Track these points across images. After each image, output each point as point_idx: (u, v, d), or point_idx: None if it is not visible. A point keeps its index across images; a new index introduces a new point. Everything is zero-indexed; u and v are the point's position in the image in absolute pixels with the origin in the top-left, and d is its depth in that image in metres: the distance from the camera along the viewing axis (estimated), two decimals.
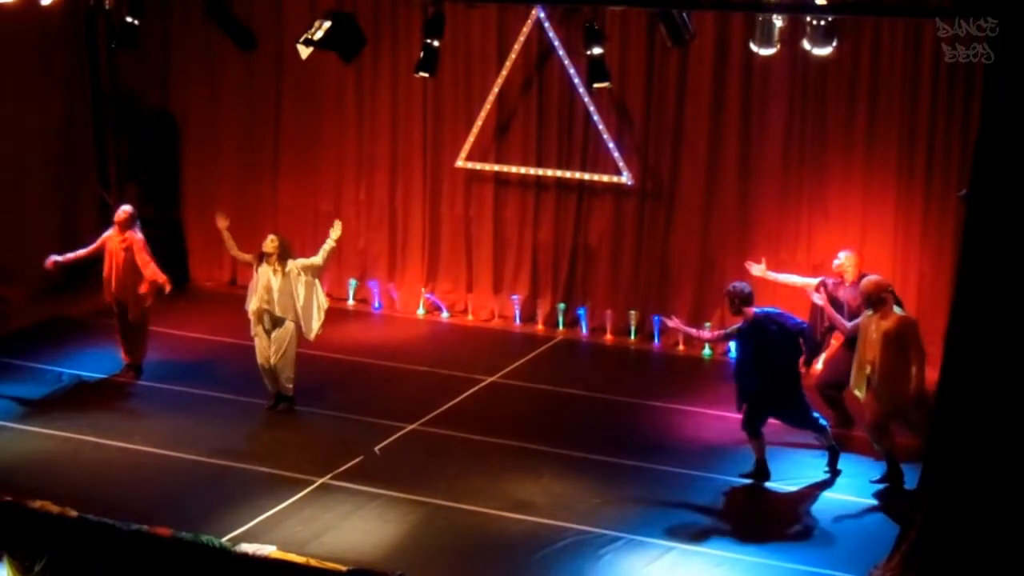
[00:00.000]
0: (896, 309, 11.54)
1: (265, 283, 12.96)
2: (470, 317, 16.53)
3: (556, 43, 15.39)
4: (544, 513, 11.17)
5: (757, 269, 13.35)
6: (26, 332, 15.18)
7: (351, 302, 16.81)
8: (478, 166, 16.16)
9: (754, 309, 11.72)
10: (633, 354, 15.59)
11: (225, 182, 17.44)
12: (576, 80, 15.32)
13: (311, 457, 12.15)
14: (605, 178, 15.61)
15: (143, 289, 13.71)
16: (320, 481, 11.64)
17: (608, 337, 15.88)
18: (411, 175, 16.61)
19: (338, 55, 13.77)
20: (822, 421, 12.00)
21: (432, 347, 15.50)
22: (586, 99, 15.36)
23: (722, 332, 12.46)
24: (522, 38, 15.51)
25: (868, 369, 11.55)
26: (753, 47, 13.12)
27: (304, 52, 13.87)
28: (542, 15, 15.33)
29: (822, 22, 12.47)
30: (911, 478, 11.09)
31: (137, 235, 13.74)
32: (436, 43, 14.24)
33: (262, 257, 13.06)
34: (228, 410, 13.27)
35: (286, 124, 17.08)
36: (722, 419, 13.17)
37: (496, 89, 15.80)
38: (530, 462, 12.16)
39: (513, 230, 16.27)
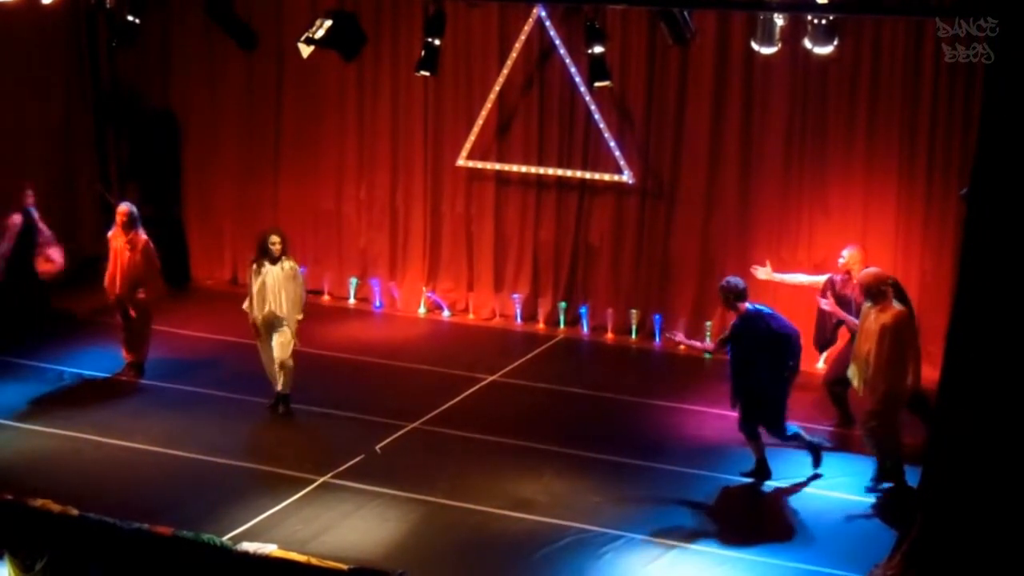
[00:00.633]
0: (896, 303, 11.50)
1: (270, 284, 12.87)
2: (471, 316, 16.54)
3: (557, 42, 15.39)
4: (545, 512, 11.17)
5: (763, 272, 13.38)
6: (27, 330, 15.16)
7: (352, 301, 16.82)
8: (479, 165, 16.16)
9: (747, 305, 11.71)
10: (634, 353, 15.60)
11: (226, 181, 17.46)
12: (577, 79, 15.32)
13: (312, 456, 12.16)
14: (606, 177, 15.62)
15: (142, 295, 13.82)
16: (321, 480, 11.64)
17: (609, 336, 15.89)
18: (412, 174, 16.61)
19: (339, 54, 13.76)
20: (792, 430, 11.85)
21: (433, 346, 15.50)
22: (587, 98, 15.36)
23: (720, 339, 12.38)
24: (523, 37, 15.51)
25: (864, 362, 11.53)
26: (754, 46, 13.11)
27: (305, 51, 13.87)
28: (543, 14, 15.32)
29: (823, 21, 12.46)
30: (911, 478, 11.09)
31: (142, 236, 13.77)
32: (437, 42, 14.25)
33: (262, 259, 12.98)
34: (229, 409, 13.27)
35: (287, 123, 17.09)
36: (722, 418, 13.16)
37: (497, 88, 15.80)
38: (531, 461, 12.16)
39: (514, 229, 16.28)
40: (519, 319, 16.26)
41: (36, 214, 15.11)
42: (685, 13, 12.74)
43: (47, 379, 13.97)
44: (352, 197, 16.91)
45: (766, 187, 15.09)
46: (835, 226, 14.77)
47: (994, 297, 9.34)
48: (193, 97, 17.44)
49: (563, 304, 16.14)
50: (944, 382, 9.77)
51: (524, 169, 16.02)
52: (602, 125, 15.41)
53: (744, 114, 15.02)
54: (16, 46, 16.15)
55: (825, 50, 12.88)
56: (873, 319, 11.44)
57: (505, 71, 15.71)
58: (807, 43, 12.90)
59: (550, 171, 15.90)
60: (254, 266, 13.02)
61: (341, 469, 11.84)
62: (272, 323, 12.97)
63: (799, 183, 14.94)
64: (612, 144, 15.42)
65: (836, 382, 12.74)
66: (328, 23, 13.37)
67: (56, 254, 15.18)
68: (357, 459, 12.06)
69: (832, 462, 12.28)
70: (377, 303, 16.82)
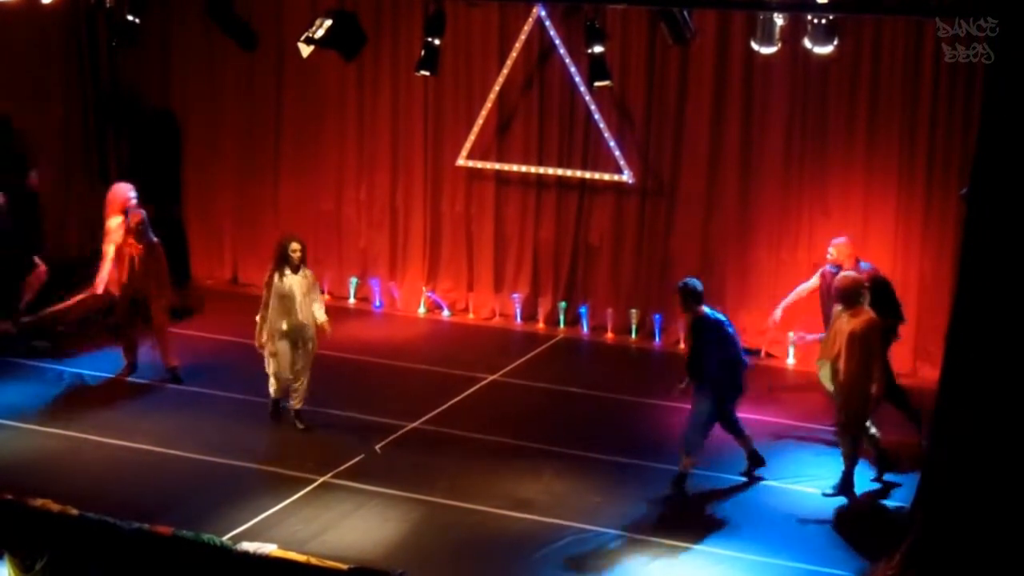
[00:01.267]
0: (867, 309, 11.37)
1: (296, 293, 12.51)
2: (471, 316, 16.54)
3: (557, 42, 15.39)
4: (545, 512, 11.17)
5: (777, 317, 13.51)
6: (27, 330, 15.15)
7: (352, 300, 16.82)
8: (479, 164, 16.16)
9: (705, 308, 11.59)
10: (634, 353, 15.60)
11: (226, 181, 17.45)
12: (577, 79, 15.32)
13: (312, 456, 12.15)
14: (606, 176, 15.62)
15: (166, 299, 13.96)
16: (321, 480, 11.64)
17: (609, 335, 15.90)
18: (412, 174, 16.61)
19: (339, 54, 13.76)
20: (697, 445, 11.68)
21: (433, 346, 15.51)
22: (587, 98, 15.36)
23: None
24: (523, 37, 15.51)
25: (835, 366, 11.43)
26: (754, 46, 13.11)
27: (305, 51, 13.87)
28: (543, 13, 15.33)
29: (823, 21, 12.46)
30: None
31: (155, 238, 13.81)
32: (437, 42, 14.24)
33: (283, 267, 12.61)
34: (229, 408, 13.27)
35: (287, 122, 17.08)
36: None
37: (497, 88, 15.80)
38: (531, 461, 12.16)
39: (514, 229, 16.28)
40: (519, 319, 16.25)
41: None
42: (685, 13, 12.74)
43: (47, 379, 13.97)
44: (352, 197, 16.91)
45: (766, 187, 15.09)
46: (835, 226, 14.74)
47: (994, 297, 9.34)
48: (193, 97, 17.43)
49: (563, 304, 16.14)
50: (944, 382, 9.77)
51: (524, 169, 16.02)
52: (602, 125, 15.41)
53: (744, 114, 15.02)
54: (16, 46, 16.13)
55: (825, 50, 12.88)
56: (844, 322, 11.35)
57: (505, 71, 15.71)
58: (807, 43, 12.90)
59: (550, 171, 15.90)
60: (275, 275, 12.59)
61: (341, 469, 11.84)
62: (298, 333, 12.60)
63: (799, 183, 14.94)
64: (612, 144, 15.42)
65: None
66: (328, 23, 13.37)
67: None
68: (357, 459, 12.06)
69: (833, 463, 12.27)
70: (377, 303, 16.82)
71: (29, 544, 9.73)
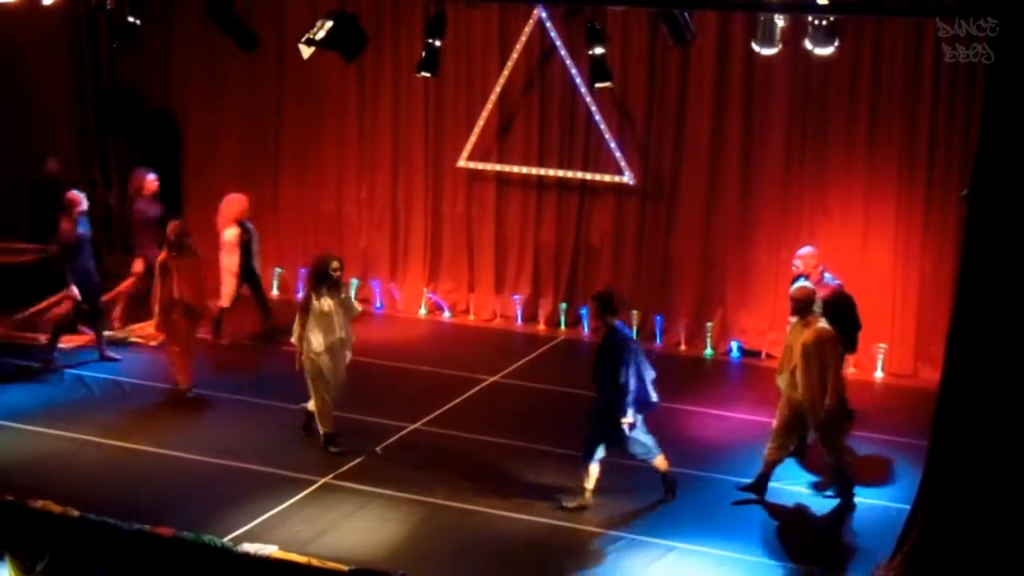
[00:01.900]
0: (822, 322, 11.18)
1: (330, 310, 12.09)
2: (472, 317, 16.54)
3: (558, 43, 15.40)
4: (545, 513, 11.17)
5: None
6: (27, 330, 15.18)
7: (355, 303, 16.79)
8: (480, 166, 16.17)
9: (618, 322, 11.24)
10: None
11: (226, 182, 17.39)
12: (578, 80, 15.33)
13: (313, 457, 12.15)
14: (607, 178, 15.62)
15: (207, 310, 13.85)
16: (322, 481, 11.64)
17: None
18: (413, 175, 16.62)
19: (340, 55, 13.77)
20: (596, 456, 11.27)
21: (434, 347, 15.51)
22: (588, 99, 15.36)
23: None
24: (524, 38, 15.52)
25: (791, 376, 11.25)
26: (755, 47, 13.11)
27: (306, 52, 13.88)
28: (544, 15, 15.34)
29: (824, 22, 12.46)
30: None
31: (194, 251, 13.58)
32: (438, 43, 14.25)
33: (320, 288, 12.09)
34: (230, 410, 13.28)
35: (288, 124, 17.10)
36: (723, 419, 13.21)
37: (498, 89, 15.81)
38: (531, 462, 12.15)
39: (515, 230, 16.28)
40: (520, 320, 16.26)
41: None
42: (686, 14, 12.74)
43: (48, 380, 13.97)
44: (353, 198, 16.92)
45: (767, 188, 15.09)
46: (836, 227, 14.78)
47: (995, 298, 9.33)
48: (193, 98, 17.45)
49: (564, 305, 16.15)
50: (945, 382, 9.76)
51: (525, 170, 16.02)
52: (603, 126, 15.41)
53: (745, 115, 15.02)
54: (16, 46, 16.15)
55: (826, 51, 12.88)
56: (797, 334, 11.21)
57: (506, 72, 15.72)
58: (807, 44, 12.90)
59: (551, 172, 15.91)
60: (312, 298, 12.10)
61: (342, 470, 11.84)
62: (337, 350, 12.22)
63: (800, 184, 14.94)
64: (613, 145, 15.43)
65: None
66: (329, 24, 13.38)
67: None
68: (358, 460, 12.07)
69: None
70: (378, 304, 16.82)
71: (30, 545, 9.74)
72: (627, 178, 15.48)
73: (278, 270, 17.13)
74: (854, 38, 14.17)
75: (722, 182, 15.26)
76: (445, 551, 10.57)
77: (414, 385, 14.15)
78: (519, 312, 16.27)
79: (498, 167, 16.14)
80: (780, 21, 12.72)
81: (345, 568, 9.46)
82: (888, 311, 14.69)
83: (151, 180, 15.35)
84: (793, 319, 11.39)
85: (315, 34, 13.43)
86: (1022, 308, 9.25)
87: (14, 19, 14.97)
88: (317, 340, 12.03)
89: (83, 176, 17.35)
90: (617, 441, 11.19)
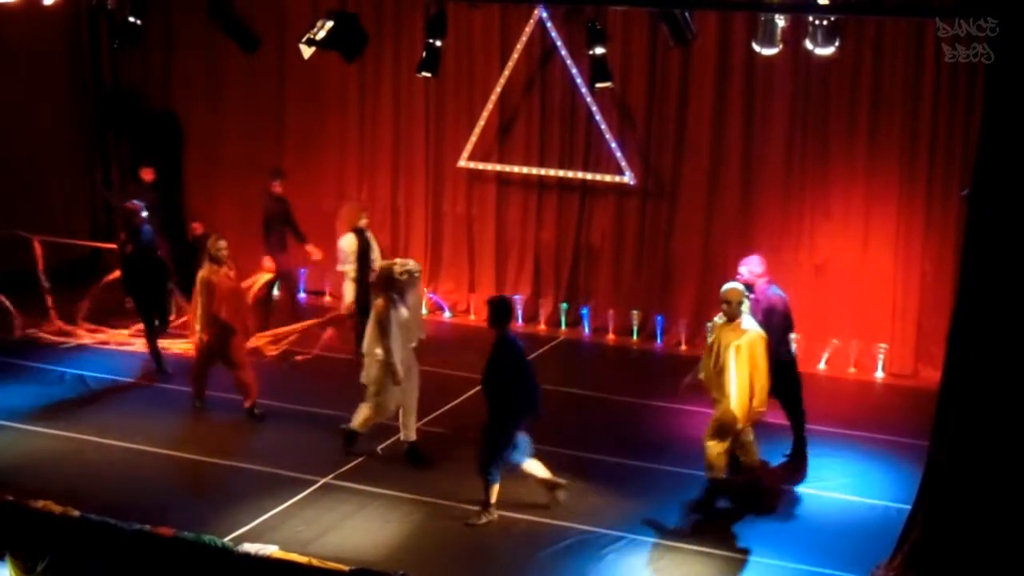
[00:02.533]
0: (751, 325, 11.09)
1: (404, 316, 11.85)
2: (472, 317, 16.54)
3: (558, 43, 15.40)
4: (545, 513, 11.17)
5: None
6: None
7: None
8: (480, 166, 16.18)
9: (508, 331, 11.01)
10: (635, 354, 15.61)
11: (228, 181, 17.48)
12: (578, 80, 15.34)
13: (313, 457, 12.15)
14: (607, 178, 15.63)
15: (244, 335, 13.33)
16: (322, 481, 11.64)
17: (610, 337, 15.91)
18: (413, 175, 16.63)
19: (340, 55, 13.76)
20: (495, 476, 11.02)
21: (434, 347, 15.47)
22: (588, 99, 15.37)
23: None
24: (524, 38, 15.53)
25: (717, 377, 11.14)
26: (755, 47, 13.10)
27: (306, 52, 13.87)
28: (544, 15, 15.34)
29: (824, 22, 12.46)
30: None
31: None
32: (438, 43, 14.24)
33: (392, 297, 11.75)
34: (230, 410, 13.26)
35: (288, 123, 17.11)
36: None
37: (498, 89, 15.82)
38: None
39: (515, 230, 16.29)
40: (520, 320, 16.25)
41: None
42: (686, 14, 12.74)
43: (48, 380, 13.98)
44: (353, 198, 16.89)
45: (767, 188, 15.10)
46: (836, 227, 14.79)
47: (995, 298, 9.33)
48: (194, 98, 17.46)
49: (564, 305, 16.15)
50: (945, 382, 9.76)
51: (525, 170, 16.03)
52: (603, 126, 15.42)
53: (745, 115, 15.03)
54: (17, 46, 16.17)
55: (826, 51, 12.87)
56: (726, 334, 11.04)
57: (506, 72, 15.72)
58: (808, 44, 12.89)
59: (551, 172, 15.92)
60: (390, 311, 11.73)
61: (343, 470, 11.84)
62: (412, 357, 12.06)
63: (800, 184, 14.95)
64: (613, 145, 15.43)
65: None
66: (329, 24, 13.37)
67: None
68: (359, 460, 12.07)
69: (833, 463, 12.31)
70: None
71: (30, 545, 9.73)
72: (628, 178, 15.48)
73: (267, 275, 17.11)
74: (855, 38, 14.18)
75: (723, 182, 15.27)
76: (445, 551, 10.57)
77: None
78: (520, 312, 16.27)
79: (499, 167, 16.15)
80: (781, 21, 12.71)
81: (345, 568, 9.46)
82: (889, 311, 14.70)
83: (276, 185, 15.34)
84: (719, 319, 11.19)
85: (316, 34, 13.42)
86: (1022, 309, 9.25)
87: (14, 19, 14.98)
88: (397, 350, 11.79)
89: (84, 177, 17.39)
90: (508, 449, 10.99)
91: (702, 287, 15.48)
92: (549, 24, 15.39)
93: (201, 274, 12.85)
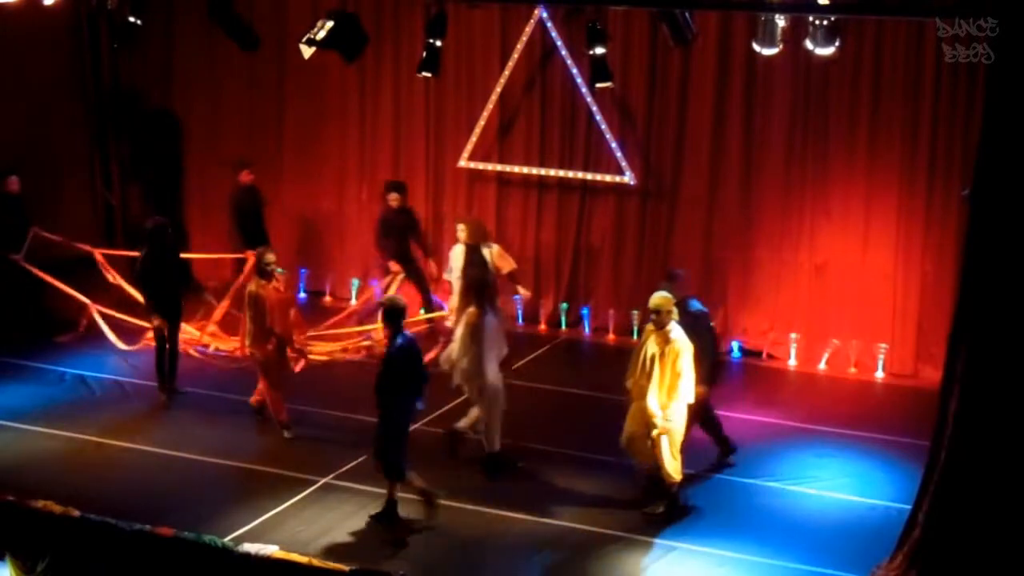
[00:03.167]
0: (679, 332, 10.97)
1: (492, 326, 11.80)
2: None
3: (559, 43, 15.40)
4: (546, 513, 11.17)
5: None
6: (28, 331, 15.17)
7: (354, 302, 16.79)
8: (480, 166, 16.17)
9: (401, 335, 10.88)
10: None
11: (227, 182, 17.42)
12: (579, 80, 15.33)
13: (313, 457, 12.16)
14: (608, 178, 15.62)
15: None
16: (323, 481, 11.64)
17: (611, 337, 15.90)
18: (413, 175, 16.61)
19: (340, 55, 13.77)
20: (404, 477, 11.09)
21: (434, 347, 15.47)
22: (588, 99, 15.37)
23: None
24: (524, 38, 15.52)
25: (641, 383, 11.05)
26: (756, 47, 13.10)
27: (307, 52, 13.87)
28: (544, 15, 15.33)
29: (825, 22, 12.46)
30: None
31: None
32: (438, 43, 14.25)
33: (483, 306, 11.68)
34: (230, 410, 13.27)
35: (289, 124, 17.11)
36: (724, 419, 13.15)
37: (499, 89, 15.81)
38: (532, 462, 12.15)
39: (515, 230, 16.27)
40: (520, 320, 16.25)
41: None
42: (686, 14, 12.74)
43: (48, 380, 13.98)
44: (354, 198, 16.93)
45: (768, 188, 15.09)
46: (837, 227, 14.78)
47: (996, 298, 9.34)
48: (194, 98, 17.46)
49: (565, 305, 16.15)
50: (946, 383, 9.76)
51: (525, 170, 16.03)
52: (603, 126, 15.41)
53: (746, 115, 15.03)
54: (17, 46, 16.15)
55: (827, 51, 12.86)
56: (653, 342, 10.94)
57: (507, 72, 15.72)
58: (808, 44, 12.89)
59: (551, 172, 15.91)
60: (482, 318, 11.75)
61: (343, 470, 11.84)
62: (496, 369, 11.95)
63: (801, 184, 14.94)
64: (613, 145, 15.43)
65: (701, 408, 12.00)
66: (330, 24, 13.38)
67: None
68: (359, 460, 12.05)
69: (832, 463, 12.32)
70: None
71: (31, 545, 9.74)
72: (628, 178, 15.48)
73: (280, 271, 17.06)
74: (855, 38, 14.17)
75: (723, 182, 15.26)
76: (445, 551, 10.57)
77: None
78: (520, 312, 16.27)
79: (499, 167, 16.15)
80: (781, 21, 12.70)
81: (346, 568, 9.47)
82: (889, 311, 14.69)
83: (395, 199, 15.14)
84: (648, 326, 11.08)
85: (316, 34, 13.43)
86: (1023, 308, 9.25)
87: (14, 19, 14.97)
88: (491, 361, 11.83)
89: (85, 177, 17.38)
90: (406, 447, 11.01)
91: (702, 287, 15.41)
92: (549, 24, 15.39)
93: (249, 288, 12.68)
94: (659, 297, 11.06)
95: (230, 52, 15.59)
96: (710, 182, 15.30)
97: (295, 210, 17.09)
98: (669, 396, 10.91)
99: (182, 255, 14.56)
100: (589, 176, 15.74)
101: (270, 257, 12.55)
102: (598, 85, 14.36)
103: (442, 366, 12.35)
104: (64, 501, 10.16)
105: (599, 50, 13.87)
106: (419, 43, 14.93)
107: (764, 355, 15.26)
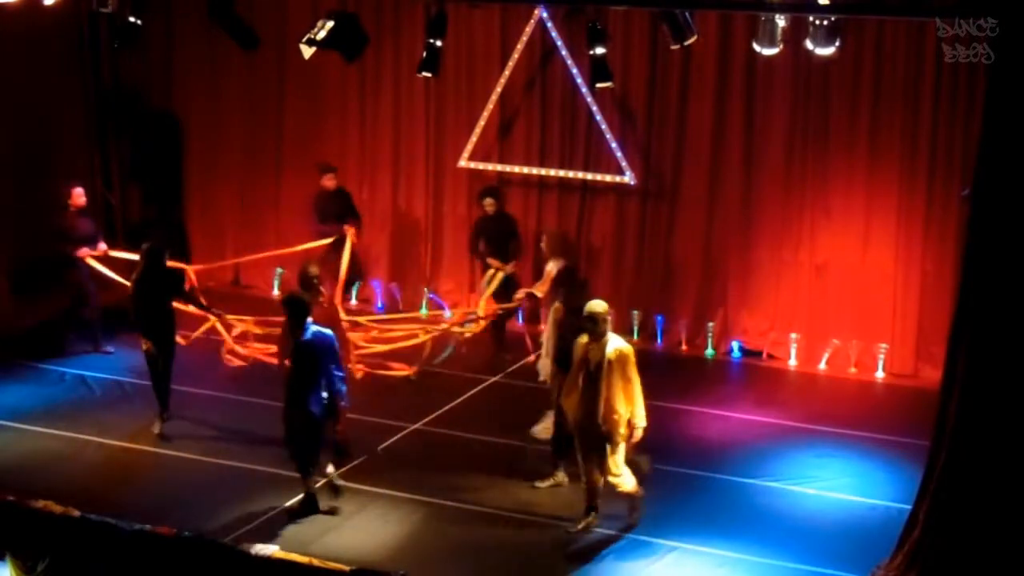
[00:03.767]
0: (619, 339, 10.93)
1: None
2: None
3: (559, 43, 15.39)
4: (546, 513, 11.17)
5: None
6: (28, 331, 15.17)
7: (354, 302, 16.79)
8: (480, 166, 16.16)
9: (308, 331, 10.79)
10: (635, 354, 15.53)
11: (228, 182, 17.48)
12: (579, 80, 15.32)
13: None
14: (608, 178, 15.62)
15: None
16: (323, 481, 11.63)
17: None
18: (413, 175, 16.62)
19: (341, 55, 13.76)
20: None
21: (434, 347, 15.47)
22: (589, 99, 15.35)
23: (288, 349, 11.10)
24: (525, 38, 15.51)
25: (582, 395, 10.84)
26: (756, 47, 13.09)
27: (307, 52, 13.86)
28: (545, 15, 15.33)
29: (825, 22, 12.45)
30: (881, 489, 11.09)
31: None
32: (439, 43, 14.24)
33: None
34: (231, 410, 13.28)
35: (289, 124, 17.10)
36: (723, 419, 13.21)
37: (499, 89, 15.80)
38: (532, 462, 12.14)
39: None
40: (521, 320, 16.23)
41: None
42: (687, 14, 12.73)
43: (49, 380, 13.99)
44: (354, 198, 16.89)
45: (768, 188, 15.09)
46: (837, 227, 14.78)
47: (996, 298, 9.34)
48: (195, 98, 17.46)
49: None
50: (946, 383, 9.77)
51: (526, 170, 16.02)
52: (604, 126, 15.41)
53: (746, 115, 15.02)
54: (17, 46, 16.14)
55: (827, 51, 12.86)
56: (591, 351, 10.77)
57: (507, 72, 15.71)
58: (809, 44, 12.88)
59: (552, 172, 15.90)
60: (563, 308, 11.81)
61: (343, 470, 11.82)
62: None
63: (801, 184, 14.94)
64: (614, 145, 15.42)
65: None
66: (330, 24, 13.37)
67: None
68: (359, 460, 12.06)
69: (832, 463, 12.31)
70: (379, 304, 16.81)
71: (31, 545, 9.73)
72: (628, 178, 15.47)
73: (279, 270, 17.13)
74: (855, 38, 14.16)
75: (723, 182, 15.26)
76: (445, 551, 10.58)
77: (415, 385, 14.12)
78: (520, 312, 16.25)
79: (499, 167, 16.14)
80: (781, 21, 12.69)
81: (346, 568, 9.47)
82: (889, 311, 14.69)
83: (490, 204, 14.97)
84: (583, 338, 10.87)
85: (316, 34, 13.42)
86: (1023, 308, 9.26)
87: (14, 19, 14.96)
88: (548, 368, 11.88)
89: (85, 178, 17.35)
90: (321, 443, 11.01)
91: (703, 287, 15.48)
92: (549, 24, 15.38)
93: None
94: (601, 305, 10.83)
95: (230, 52, 15.59)
96: (710, 182, 15.30)
97: (295, 210, 17.04)
98: (630, 402, 10.74)
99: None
100: (589, 176, 15.73)
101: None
102: (598, 85, 14.34)
103: (540, 374, 12.23)
104: (64, 501, 10.16)
105: (599, 50, 13.86)
106: (419, 43, 14.93)
107: (764, 355, 15.26)
